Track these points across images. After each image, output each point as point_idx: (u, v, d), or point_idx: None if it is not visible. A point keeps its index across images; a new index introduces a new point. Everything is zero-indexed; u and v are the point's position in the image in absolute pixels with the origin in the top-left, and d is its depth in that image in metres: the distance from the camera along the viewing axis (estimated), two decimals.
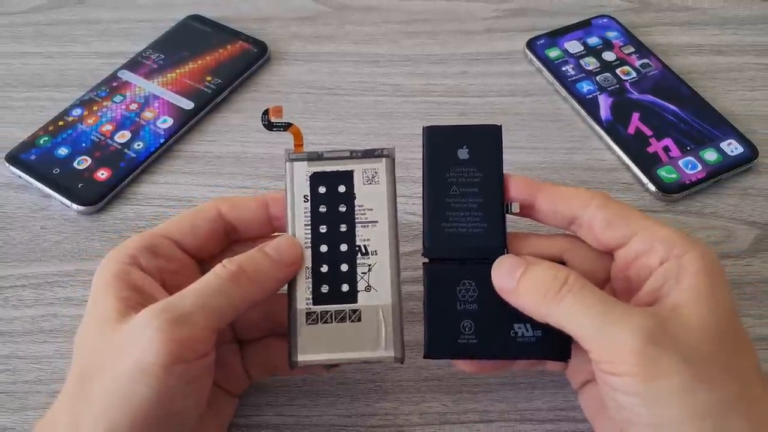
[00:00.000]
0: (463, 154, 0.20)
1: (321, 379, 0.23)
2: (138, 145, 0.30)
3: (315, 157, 0.21)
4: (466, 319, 0.19)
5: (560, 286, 0.18)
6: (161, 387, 0.16)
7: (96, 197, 0.29)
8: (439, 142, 0.21)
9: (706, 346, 0.17)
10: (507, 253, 0.20)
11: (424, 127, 0.21)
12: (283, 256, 0.19)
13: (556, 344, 0.19)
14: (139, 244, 0.20)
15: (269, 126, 0.21)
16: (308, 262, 0.20)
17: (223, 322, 0.18)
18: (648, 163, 0.29)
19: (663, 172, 0.29)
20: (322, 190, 0.20)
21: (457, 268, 0.20)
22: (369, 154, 0.21)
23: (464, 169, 0.20)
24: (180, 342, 0.17)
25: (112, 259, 0.19)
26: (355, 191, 0.20)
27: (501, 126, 0.21)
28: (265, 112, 0.21)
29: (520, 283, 0.19)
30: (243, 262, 0.19)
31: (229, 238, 0.21)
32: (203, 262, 0.21)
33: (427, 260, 0.20)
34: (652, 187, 0.29)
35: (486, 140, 0.21)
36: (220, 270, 0.19)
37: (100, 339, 0.18)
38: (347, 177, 0.20)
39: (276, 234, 0.21)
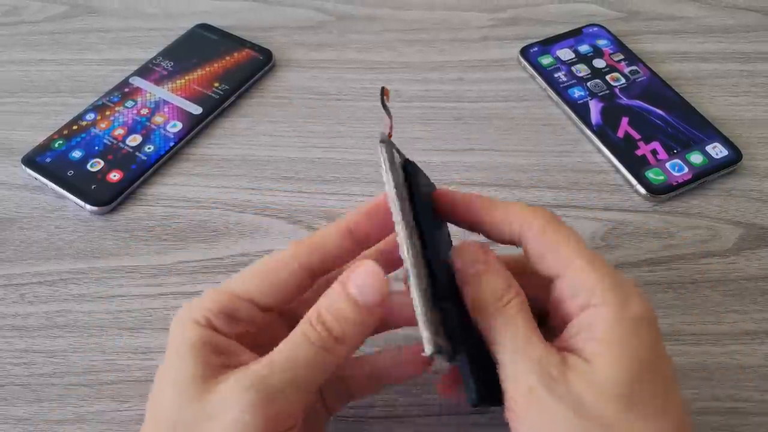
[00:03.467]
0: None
1: None
2: (149, 148, 0.32)
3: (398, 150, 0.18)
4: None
5: (503, 305, 0.17)
6: None
7: (108, 198, 0.29)
8: None
9: (604, 405, 0.15)
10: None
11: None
12: (371, 299, 0.17)
13: None
14: (217, 308, 0.18)
15: (383, 103, 0.19)
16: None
17: (314, 390, 0.17)
18: (636, 166, 0.30)
19: (651, 174, 0.30)
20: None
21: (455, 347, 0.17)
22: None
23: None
24: (272, 419, 0.16)
25: (190, 321, 0.17)
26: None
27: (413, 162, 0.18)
28: (383, 91, 0.19)
29: (474, 279, 0.18)
30: (331, 323, 0.16)
31: (315, 279, 0.19)
32: (287, 313, 0.20)
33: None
34: (640, 189, 0.30)
35: None
36: (310, 335, 0.16)
37: (183, 407, 0.16)
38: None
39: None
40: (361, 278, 0.17)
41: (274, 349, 0.17)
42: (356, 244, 0.19)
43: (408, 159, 0.19)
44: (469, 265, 0.18)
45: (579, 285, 0.17)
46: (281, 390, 0.16)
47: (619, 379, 0.16)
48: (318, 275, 0.19)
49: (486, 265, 0.18)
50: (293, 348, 0.17)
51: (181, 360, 0.17)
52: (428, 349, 0.16)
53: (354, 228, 0.19)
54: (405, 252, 0.17)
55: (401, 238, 0.17)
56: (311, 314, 0.17)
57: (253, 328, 0.18)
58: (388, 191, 0.17)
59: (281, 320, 0.20)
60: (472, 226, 0.19)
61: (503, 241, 0.19)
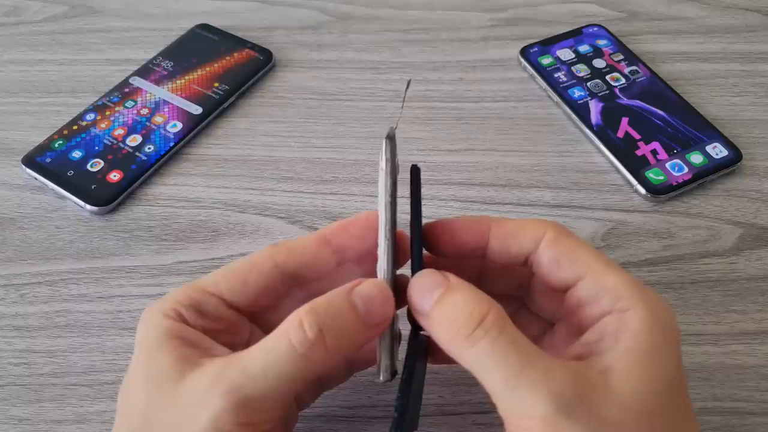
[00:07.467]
0: None
1: None
2: (149, 148, 0.32)
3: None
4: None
5: (475, 326, 0.15)
6: None
7: (108, 198, 0.30)
8: None
9: (630, 422, 0.14)
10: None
11: None
12: (372, 312, 0.16)
13: None
14: (185, 301, 0.17)
15: (405, 90, 0.19)
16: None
17: (297, 392, 0.17)
18: (636, 166, 0.30)
19: (651, 174, 0.30)
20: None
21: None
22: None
23: None
24: (252, 425, 0.15)
25: (159, 313, 0.17)
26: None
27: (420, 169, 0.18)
28: (409, 82, 0.20)
29: (435, 309, 0.16)
30: (324, 324, 0.15)
31: (287, 287, 0.19)
32: (254, 316, 0.19)
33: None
34: (640, 189, 0.30)
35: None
36: (297, 338, 0.15)
37: (157, 403, 0.16)
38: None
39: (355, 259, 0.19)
40: (367, 289, 0.16)
41: (254, 347, 0.16)
42: (333, 255, 0.18)
43: (415, 165, 0.19)
44: (429, 293, 0.16)
45: (601, 288, 0.16)
46: (263, 398, 0.15)
47: (644, 393, 0.15)
48: (292, 281, 0.18)
49: (445, 287, 0.16)
50: (277, 351, 0.15)
51: (151, 354, 0.16)
52: (384, 376, 0.17)
53: (330, 237, 0.18)
54: (384, 259, 0.16)
55: (381, 250, 0.17)
56: (302, 312, 0.16)
57: (219, 326, 0.18)
58: (380, 187, 0.17)
59: (252, 326, 0.19)
60: (474, 251, 0.18)
61: (508, 259, 0.18)
